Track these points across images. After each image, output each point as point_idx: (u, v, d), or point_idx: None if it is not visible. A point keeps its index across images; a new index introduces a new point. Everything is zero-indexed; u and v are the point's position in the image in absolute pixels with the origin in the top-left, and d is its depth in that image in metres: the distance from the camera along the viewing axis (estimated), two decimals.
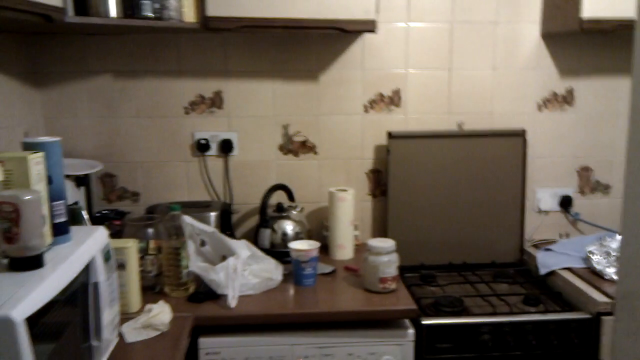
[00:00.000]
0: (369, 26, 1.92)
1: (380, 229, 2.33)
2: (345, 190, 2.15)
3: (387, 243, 1.85)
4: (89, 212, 1.96)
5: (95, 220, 1.95)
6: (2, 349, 0.91)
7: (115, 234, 1.84)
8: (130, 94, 2.16)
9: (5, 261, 1.10)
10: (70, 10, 1.58)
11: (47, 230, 1.20)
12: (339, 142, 2.28)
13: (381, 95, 2.26)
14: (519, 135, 2.27)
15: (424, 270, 2.14)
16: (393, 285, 1.82)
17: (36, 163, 1.20)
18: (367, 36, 2.20)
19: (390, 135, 2.22)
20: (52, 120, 2.14)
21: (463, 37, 2.24)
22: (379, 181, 2.32)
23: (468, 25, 2.23)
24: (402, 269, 1.93)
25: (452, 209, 2.25)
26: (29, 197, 1.09)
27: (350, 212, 2.15)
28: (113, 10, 1.71)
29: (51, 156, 1.25)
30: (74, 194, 1.82)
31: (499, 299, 1.91)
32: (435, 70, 2.26)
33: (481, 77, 2.28)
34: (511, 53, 2.27)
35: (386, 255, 1.82)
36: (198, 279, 1.78)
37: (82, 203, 1.92)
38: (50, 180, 1.25)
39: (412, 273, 2.10)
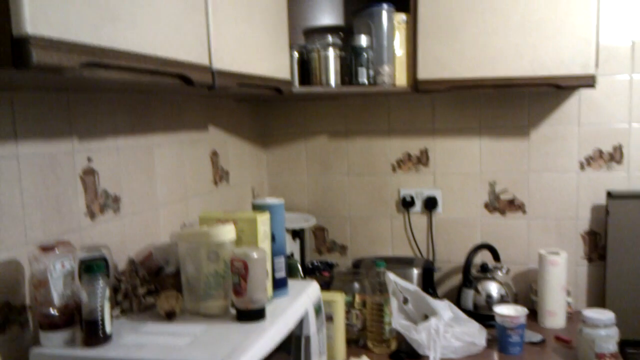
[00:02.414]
0: (588, 81, 1.82)
1: (597, 297, 2.14)
2: (557, 253, 2.02)
3: (606, 315, 1.69)
4: (302, 263, 2.12)
5: (307, 271, 2.10)
6: None
7: (323, 285, 1.96)
8: (343, 152, 2.31)
9: (233, 312, 1.24)
10: (297, 81, 1.76)
11: (269, 284, 1.34)
12: (550, 201, 2.17)
13: (600, 152, 2.11)
14: None
15: None
16: None
17: (263, 223, 1.35)
18: (585, 90, 2.08)
19: (610, 195, 2.05)
20: (274, 177, 2.37)
21: None
22: (596, 244, 2.14)
23: None
24: (623, 344, 1.75)
25: None
26: (256, 255, 1.23)
27: (562, 277, 2.01)
28: (333, 80, 1.86)
29: (275, 216, 1.40)
30: (290, 246, 1.99)
31: None
32: None
33: None
34: None
35: (604, 328, 1.66)
36: (400, 337, 1.80)
37: (297, 254, 2.09)
38: (273, 238, 1.39)
39: (635, 349, 1.89)
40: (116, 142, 1.40)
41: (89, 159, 1.31)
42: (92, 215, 1.32)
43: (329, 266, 2.13)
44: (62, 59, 0.79)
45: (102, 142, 1.35)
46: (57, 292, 1.08)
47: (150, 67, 1.00)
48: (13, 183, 1.11)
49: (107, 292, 1.10)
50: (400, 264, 2.08)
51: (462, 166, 2.22)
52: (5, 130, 1.09)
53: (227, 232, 1.27)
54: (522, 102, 2.14)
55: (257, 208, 1.40)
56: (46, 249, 1.08)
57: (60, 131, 1.23)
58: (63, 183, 1.23)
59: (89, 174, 1.31)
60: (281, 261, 1.40)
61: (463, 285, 2.07)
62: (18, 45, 0.73)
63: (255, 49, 1.47)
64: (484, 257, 2.14)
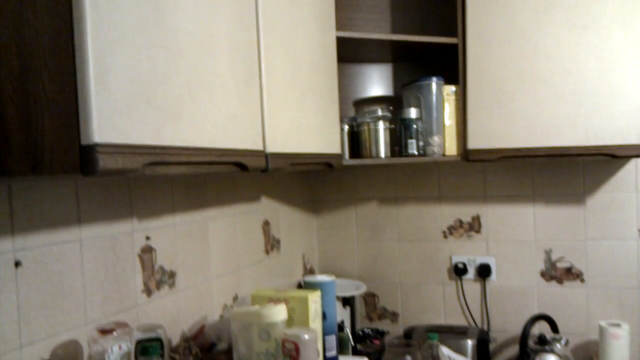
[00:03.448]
0: None
1: None
2: (618, 325, 1.93)
3: None
4: (352, 330, 2.10)
5: (358, 338, 2.07)
6: None
7: (374, 354, 1.93)
8: (393, 219, 2.30)
9: None
10: (347, 154, 1.79)
11: None
12: (609, 270, 2.09)
13: None
14: None
15: None
16: None
17: (314, 302, 1.35)
18: None
19: None
20: (325, 243, 2.38)
21: None
22: None
23: None
24: None
25: None
26: (307, 336, 1.23)
27: (625, 351, 1.92)
28: (383, 152, 1.88)
29: (326, 294, 1.41)
30: (339, 313, 1.98)
31: None
32: None
33: None
34: None
35: None
36: None
37: (347, 321, 2.07)
38: (324, 316, 1.39)
39: None
40: (173, 219, 1.45)
41: (147, 237, 1.36)
42: (148, 292, 1.36)
43: (380, 334, 2.10)
44: (125, 162, 0.83)
45: (159, 220, 1.40)
46: None
47: (208, 159, 1.04)
48: (75, 266, 1.16)
49: None
50: (453, 334, 2.03)
51: (516, 233, 2.17)
52: (71, 216, 1.15)
53: (278, 312, 1.28)
54: (576, 169, 2.10)
55: (309, 286, 1.41)
56: (104, 331, 1.12)
57: (121, 213, 1.28)
58: (122, 262, 1.28)
59: (147, 251, 1.36)
60: (332, 339, 1.40)
61: (520, 358, 1.99)
62: (85, 153, 0.77)
63: (307, 127, 1.51)
64: (542, 327, 2.06)
